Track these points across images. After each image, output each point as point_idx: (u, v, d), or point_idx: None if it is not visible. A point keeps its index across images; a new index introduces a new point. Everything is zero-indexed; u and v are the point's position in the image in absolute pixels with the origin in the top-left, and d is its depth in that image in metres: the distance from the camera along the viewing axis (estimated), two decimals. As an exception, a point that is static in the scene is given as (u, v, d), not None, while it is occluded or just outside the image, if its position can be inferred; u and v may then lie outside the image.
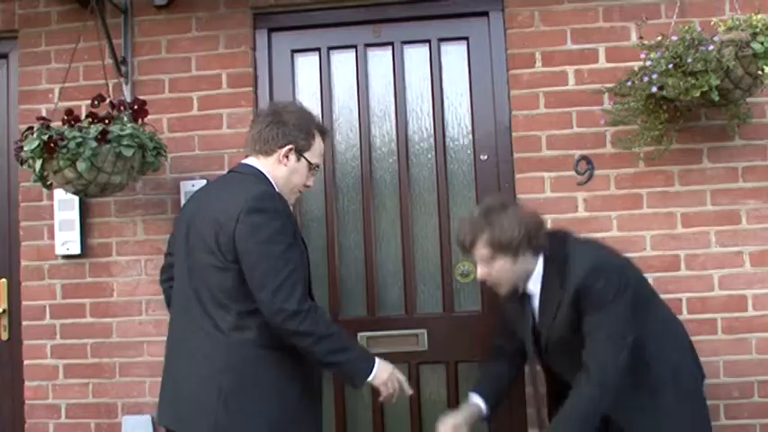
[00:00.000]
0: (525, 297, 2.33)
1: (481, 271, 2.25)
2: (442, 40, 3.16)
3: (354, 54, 3.19)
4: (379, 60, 3.19)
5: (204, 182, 2.95)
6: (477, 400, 2.43)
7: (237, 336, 2.08)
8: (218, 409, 2.03)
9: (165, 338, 2.96)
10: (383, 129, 3.17)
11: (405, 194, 3.11)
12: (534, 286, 2.29)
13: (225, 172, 2.92)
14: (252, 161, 2.27)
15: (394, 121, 3.16)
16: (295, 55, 3.21)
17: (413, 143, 3.15)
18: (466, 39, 3.14)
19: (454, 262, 3.08)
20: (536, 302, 2.31)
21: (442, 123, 3.13)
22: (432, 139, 3.13)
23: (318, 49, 3.20)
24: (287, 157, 2.24)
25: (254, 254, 2.04)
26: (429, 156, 3.14)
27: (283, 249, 2.05)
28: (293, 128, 2.25)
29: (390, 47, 3.18)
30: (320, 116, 3.16)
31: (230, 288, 2.08)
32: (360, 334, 3.05)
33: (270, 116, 2.27)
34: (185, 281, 2.18)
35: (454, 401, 3.02)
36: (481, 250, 2.21)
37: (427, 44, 3.16)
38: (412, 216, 3.12)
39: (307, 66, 3.21)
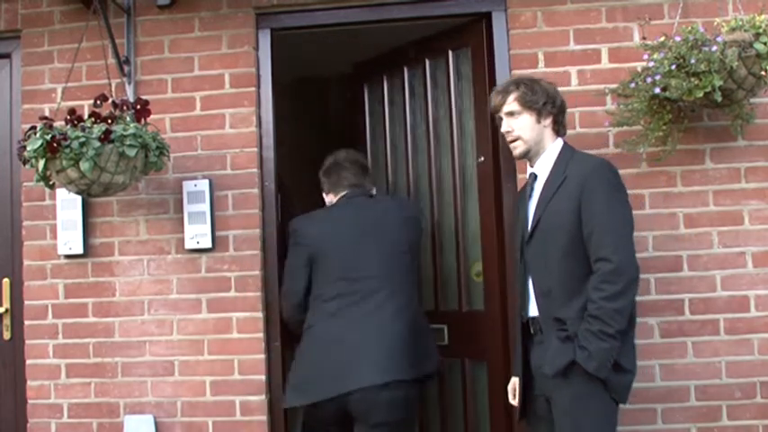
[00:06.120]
0: (532, 178, 2.50)
1: (506, 124, 2.47)
2: (444, 39, 3.17)
3: (357, 54, 3.20)
4: (382, 60, 3.20)
5: (207, 181, 2.97)
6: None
7: (413, 302, 2.75)
8: (417, 347, 2.68)
9: (166, 338, 3.01)
10: (386, 129, 3.18)
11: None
12: (543, 166, 2.46)
13: (227, 171, 2.95)
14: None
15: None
16: (298, 55, 3.22)
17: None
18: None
19: (458, 261, 3.08)
20: (540, 183, 2.46)
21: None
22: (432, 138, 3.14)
23: (321, 49, 3.21)
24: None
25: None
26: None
27: None
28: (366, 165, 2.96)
29: (393, 46, 3.19)
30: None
31: (409, 271, 2.77)
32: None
33: (356, 161, 2.89)
34: (361, 276, 2.68)
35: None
36: (511, 104, 2.45)
37: (430, 44, 3.17)
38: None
39: (309, 66, 3.22)
